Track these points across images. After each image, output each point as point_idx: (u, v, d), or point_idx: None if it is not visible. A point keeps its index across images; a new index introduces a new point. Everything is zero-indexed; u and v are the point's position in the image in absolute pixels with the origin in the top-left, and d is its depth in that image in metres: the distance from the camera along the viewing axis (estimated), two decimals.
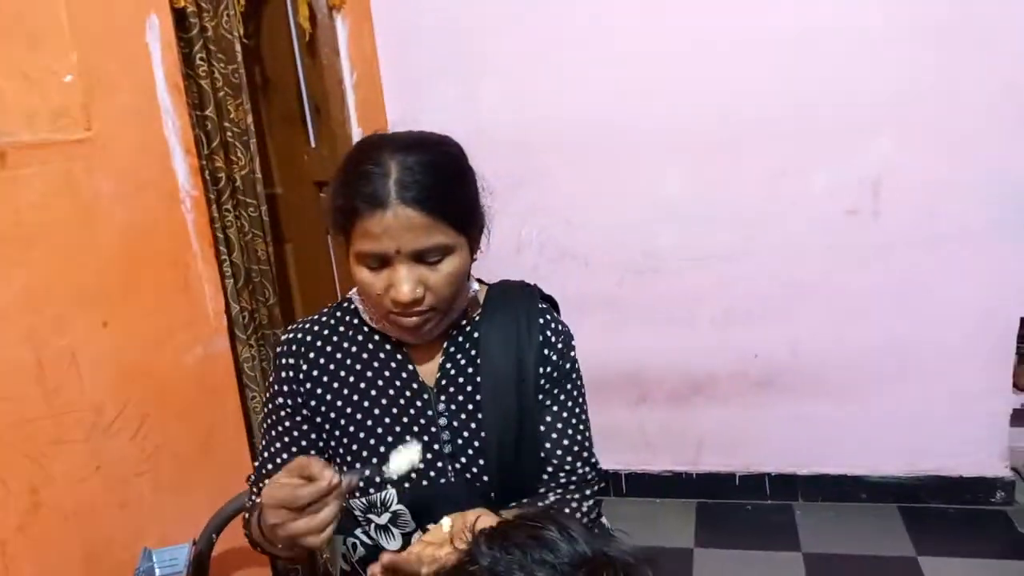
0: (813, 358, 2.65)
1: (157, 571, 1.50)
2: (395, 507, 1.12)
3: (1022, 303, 2.45)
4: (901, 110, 2.36)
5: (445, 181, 1.04)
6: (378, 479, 1.09)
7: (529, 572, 0.63)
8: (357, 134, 2.64)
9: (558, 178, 2.61)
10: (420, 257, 1.03)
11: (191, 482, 1.70)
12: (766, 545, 2.57)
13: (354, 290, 1.20)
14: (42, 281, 1.37)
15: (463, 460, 1.13)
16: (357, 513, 1.15)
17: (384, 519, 1.13)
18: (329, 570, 1.41)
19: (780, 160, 2.48)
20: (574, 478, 1.18)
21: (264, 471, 1.20)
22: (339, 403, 1.15)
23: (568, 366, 1.21)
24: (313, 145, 2.69)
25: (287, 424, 1.17)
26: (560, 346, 1.20)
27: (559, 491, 1.17)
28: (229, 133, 1.98)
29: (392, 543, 1.15)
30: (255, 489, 1.21)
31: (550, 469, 1.17)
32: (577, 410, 1.21)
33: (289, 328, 1.22)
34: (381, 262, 1.04)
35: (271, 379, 1.21)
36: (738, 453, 2.81)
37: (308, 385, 1.15)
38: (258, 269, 2.08)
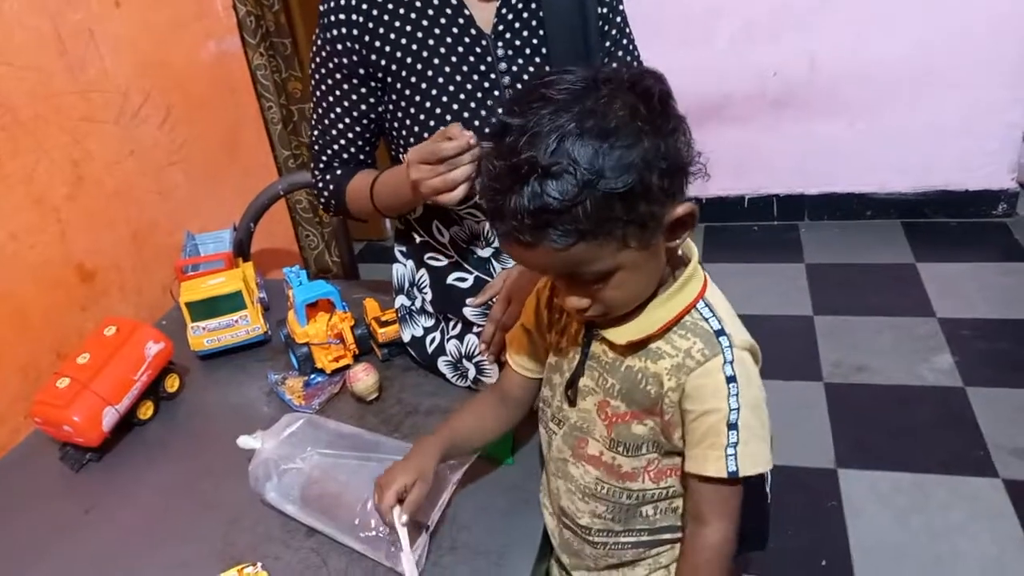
0: (831, 74, 2.60)
1: (201, 250, 1.57)
2: None
3: None
4: None
5: None
6: (437, 126, 1.10)
7: (553, 106, 0.66)
8: None
9: None
10: None
11: (220, 177, 1.74)
12: (770, 259, 2.69)
13: None
14: None
15: None
16: None
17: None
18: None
19: None
20: None
21: (324, 140, 1.20)
22: (396, 55, 1.11)
23: (620, 6, 1.20)
24: None
25: (344, 87, 1.15)
26: None
27: None
28: None
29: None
30: (320, 163, 1.22)
31: None
32: (633, 50, 1.23)
33: None
34: None
35: (317, 43, 1.16)
36: (748, 176, 2.85)
37: (365, 39, 1.11)
38: None
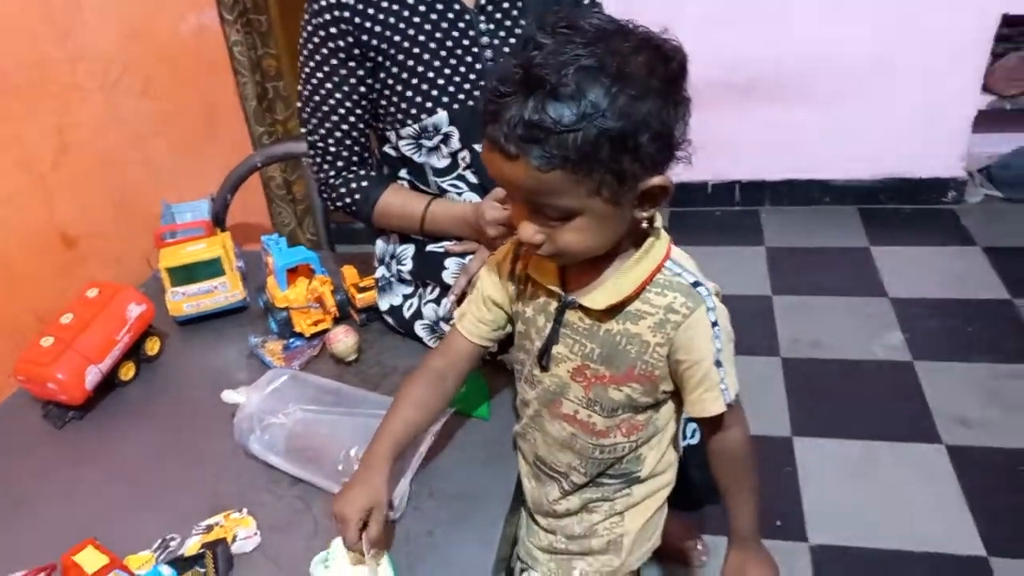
0: (795, 64, 2.68)
1: (178, 219, 1.59)
2: (445, 129, 1.19)
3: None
4: None
5: None
6: (429, 104, 1.17)
7: (582, 36, 0.69)
8: None
9: None
10: None
11: (198, 149, 1.77)
12: (732, 242, 2.79)
13: None
14: None
15: None
16: (407, 142, 1.21)
17: (435, 141, 1.20)
18: None
19: None
20: None
21: (324, 129, 1.23)
22: (386, 33, 1.16)
23: None
24: None
25: (341, 72, 1.18)
26: None
27: None
28: None
29: (440, 162, 1.23)
30: (321, 142, 1.25)
31: None
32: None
33: None
34: None
35: (308, 28, 1.18)
36: (711, 162, 2.93)
37: (356, 20, 1.15)
38: None
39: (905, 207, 2.87)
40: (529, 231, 0.77)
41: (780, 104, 2.76)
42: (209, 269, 1.40)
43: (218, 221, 1.69)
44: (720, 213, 3.01)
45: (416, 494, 1.02)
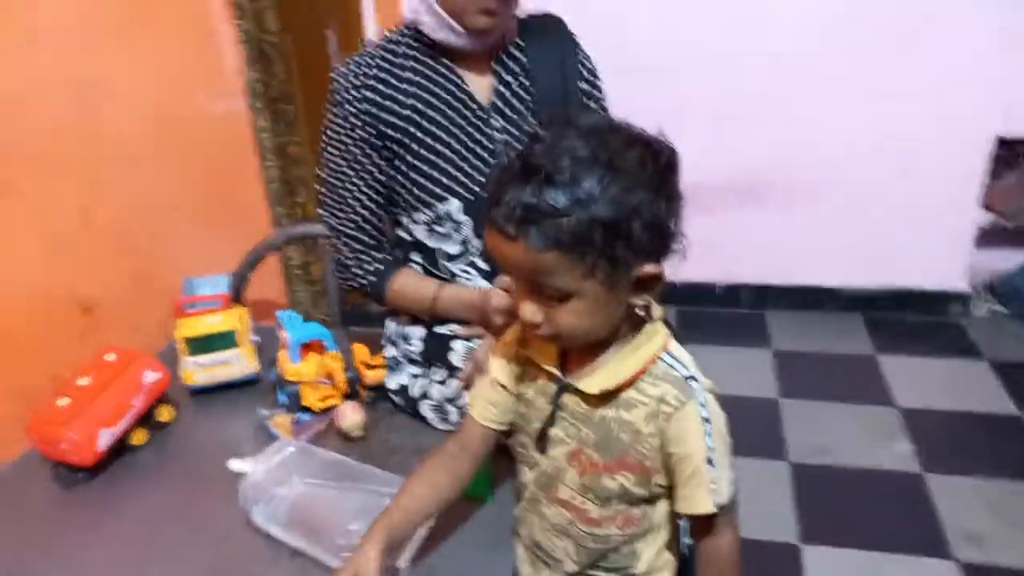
0: (793, 171, 2.76)
1: (198, 292, 1.62)
2: (458, 217, 1.25)
3: (1001, 122, 2.57)
4: None
5: None
6: (443, 193, 1.23)
7: (577, 132, 0.75)
8: None
9: None
10: None
11: (217, 226, 1.82)
12: (739, 343, 2.80)
13: (416, 7, 1.24)
14: (75, 5, 1.42)
15: None
16: (421, 228, 1.27)
17: (447, 228, 1.26)
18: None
19: None
20: None
21: (343, 213, 1.29)
22: (404, 126, 1.23)
23: (598, 81, 1.35)
24: None
25: (362, 160, 1.24)
26: (590, 65, 1.33)
27: None
28: None
29: (452, 248, 1.28)
30: (340, 226, 1.30)
31: None
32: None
33: (347, 65, 1.26)
34: None
35: (332, 120, 1.26)
36: (718, 264, 2.99)
37: (377, 113, 1.22)
38: (268, 41, 2.12)
39: (911, 317, 2.89)
40: (529, 311, 0.80)
41: (781, 210, 2.83)
42: (224, 341, 1.43)
43: (236, 296, 1.73)
44: (727, 314, 3.03)
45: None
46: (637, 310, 0.82)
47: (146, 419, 1.32)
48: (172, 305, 1.54)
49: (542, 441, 0.91)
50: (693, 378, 0.84)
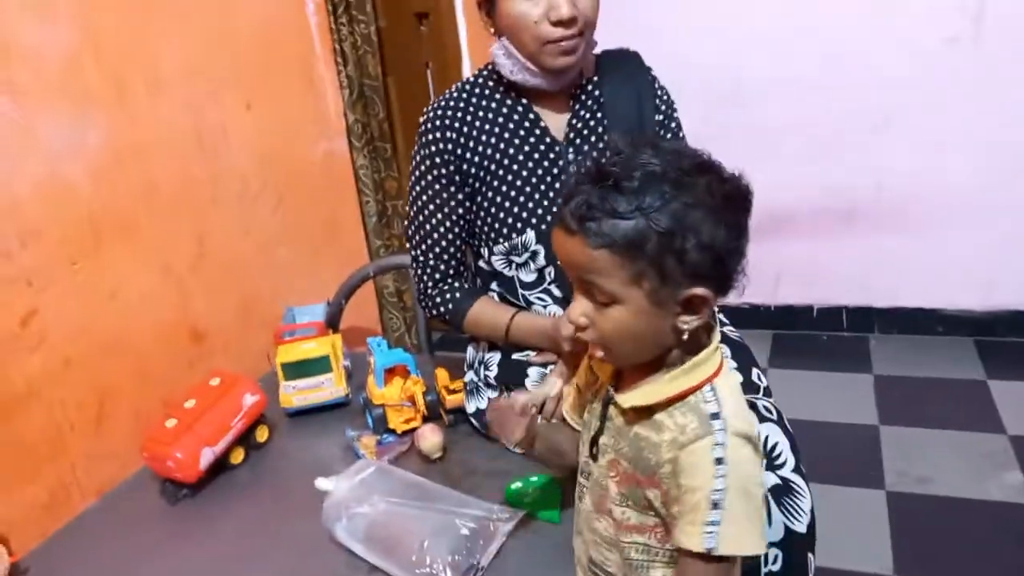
0: (896, 191, 2.68)
1: (298, 320, 1.75)
2: (533, 247, 1.31)
3: None
4: None
5: None
6: (519, 225, 1.30)
7: (656, 154, 0.79)
8: None
9: (648, 4, 2.65)
10: None
11: (318, 257, 1.95)
12: (839, 368, 2.71)
13: (495, 51, 1.32)
14: (198, 56, 1.57)
15: None
16: (499, 258, 1.34)
17: (523, 258, 1.32)
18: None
19: None
20: None
21: (426, 244, 1.38)
22: (484, 163, 1.31)
23: (675, 114, 1.38)
24: None
25: (444, 195, 1.33)
26: (666, 98, 1.37)
27: None
28: None
29: (528, 276, 1.35)
30: (423, 256, 1.39)
31: None
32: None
33: (432, 106, 1.36)
34: None
35: (418, 156, 1.35)
36: (816, 287, 2.91)
37: (459, 151, 1.31)
38: (369, 84, 2.26)
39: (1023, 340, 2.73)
40: (577, 310, 0.83)
41: (882, 232, 2.73)
42: (318, 366, 1.53)
43: (331, 324, 1.84)
44: (827, 338, 2.95)
45: None
46: (684, 335, 0.83)
47: (245, 439, 1.43)
48: (273, 333, 1.67)
49: (594, 447, 0.94)
50: (719, 416, 0.82)
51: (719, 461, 0.80)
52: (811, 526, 1.16)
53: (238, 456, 1.42)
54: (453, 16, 2.84)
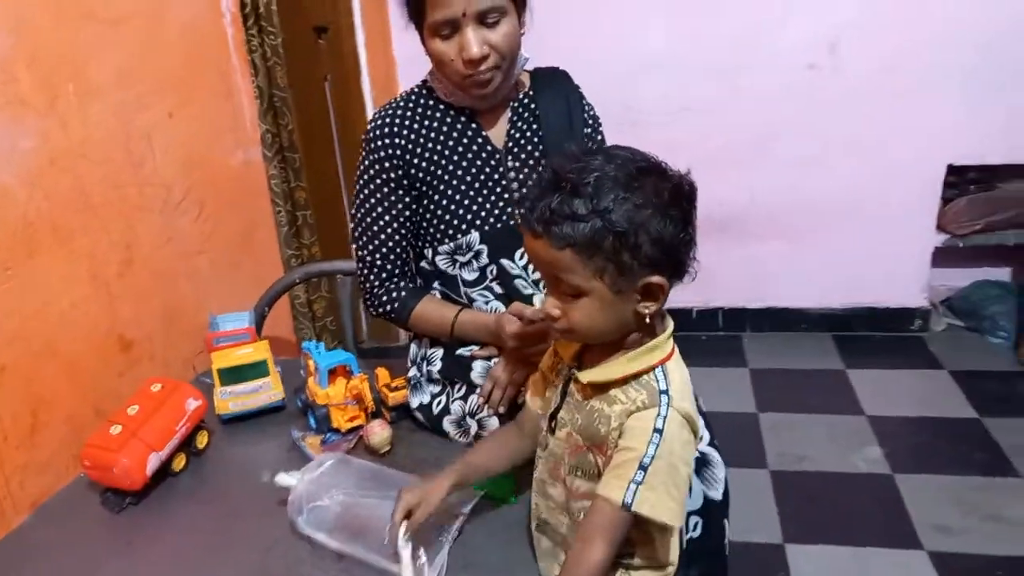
0: (767, 204, 2.98)
1: (222, 328, 1.75)
2: (477, 246, 1.40)
3: (949, 151, 2.81)
4: None
5: None
6: (463, 226, 1.39)
7: (608, 159, 0.90)
8: None
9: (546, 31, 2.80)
10: (482, 18, 1.26)
11: (237, 267, 1.95)
12: (717, 364, 2.97)
13: (427, 73, 1.42)
14: (127, 64, 1.56)
15: None
16: (443, 257, 1.42)
17: (467, 257, 1.41)
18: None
19: (754, 14, 2.74)
20: None
21: (373, 245, 1.42)
22: (430, 168, 1.39)
23: (600, 127, 1.52)
24: None
25: (391, 198, 1.40)
26: (593, 112, 1.51)
27: None
28: None
29: (470, 275, 1.42)
30: (369, 257, 1.43)
31: None
32: None
33: (379, 113, 1.42)
34: (451, 28, 1.26)
35: (365, 161, 1.41)
36: (696, 290, 3.15)
37: (406, 156, 1.38)
38: (278, 95, 2.27)
39: (876, 334, 3.09)
40: (551, 303, 0.95)
41: (756, 240, 3.03)
42: (255, 371, 1.55)
43: (256, 331, 1.85)
44: (706, 337, 3.21)
45: (451, 566, 1.14)
46: (646, 319, 0.94)
47: (186, 445, 1.43)
48: (198, 341, 1.67)
49: (552, 421, 1.05)
50: (666, 393, 0.92)
51: (657, 431, 0.90)
52: (725, 494, 1.31)
53: (180, 462, 1.42)
54: (352, 31, 2.90)
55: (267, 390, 1.57)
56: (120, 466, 1.29)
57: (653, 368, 0.95)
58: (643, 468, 0.89)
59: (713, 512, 1.26)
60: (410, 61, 2.81)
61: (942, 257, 3.01)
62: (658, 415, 0.91)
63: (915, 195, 2.88)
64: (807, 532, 2.06)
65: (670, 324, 1.00)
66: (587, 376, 0.98)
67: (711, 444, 1.35)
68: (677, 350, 1.00)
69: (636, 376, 0.95)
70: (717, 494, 1.29)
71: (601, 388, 0.97)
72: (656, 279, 0.91)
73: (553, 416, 1.05)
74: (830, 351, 3.01)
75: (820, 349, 3.03)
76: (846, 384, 2.76)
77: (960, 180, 2.95)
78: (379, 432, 1.41)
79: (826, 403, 2.66)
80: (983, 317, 2.98)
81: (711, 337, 3.20)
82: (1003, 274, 3.13)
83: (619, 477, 0.91)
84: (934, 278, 3.05)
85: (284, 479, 1.24)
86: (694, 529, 1.26)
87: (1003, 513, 2.07)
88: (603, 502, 0.92)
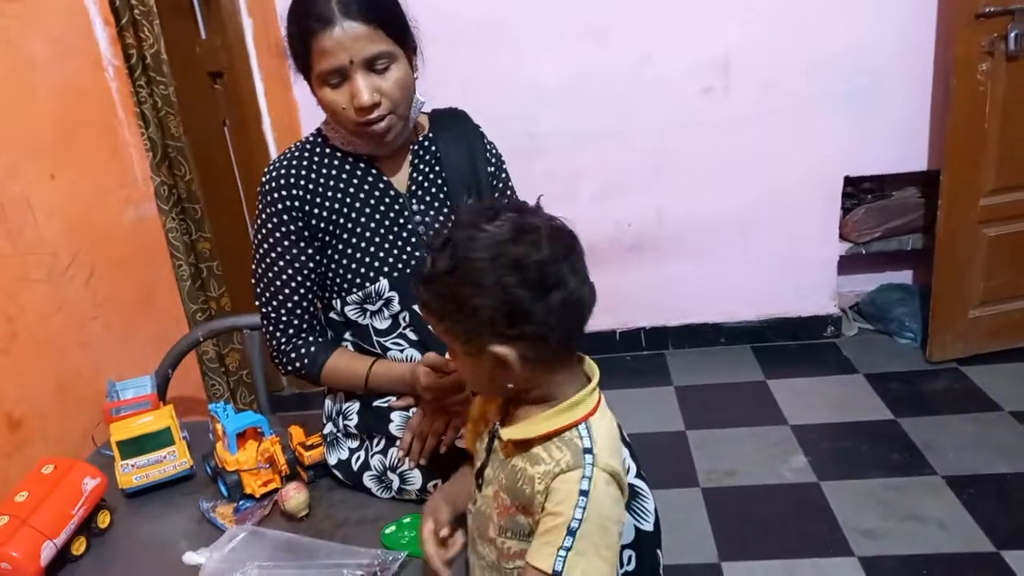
0: (675, 224, 3.04)
1: (122, 396, 1.65)
2: (387, 294, 1.35)
3: (845, 164, 2.92)
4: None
5: None
6: (372, 274, 1.34)
7: (493, 220, 0.88)
8: (248, 24, 2.72)
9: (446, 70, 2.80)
10: (371, 65, 1.23)
11: (136, 329, 1.85)
12: (643, 384, 2.99)
13: (322, 122, 1.38)
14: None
15: None
16: (353, 307, 1.37)
17: (377, 305, 1.36)
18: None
19: (644, 43, 2.80)
20: None
21: (277, 301, 1.37)
22: (332, 217, 1.34)
23: (504, 165, 1.50)
24: (204, 36, 2.75)
25: (293, 251, 1.34)
26: (495, 151, 1.49)
27: None
28: (136, 11, 2.05)
29: (382, 323, 1.38)
30: (274, 313, 1.37)
31: None
32: (512, 194, 1.51)
33: (274, 164, 1.37)
34: (340, 77, 1.23)
35: (262, 215, 1.35)
36: (617, 313, 3.19)
37: (306, 207, 1.33)
38: (173, 145, 2.19)
39: (791, 343, 3.17)
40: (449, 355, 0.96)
41: (668, 259, 3.09)
42: (158, 440, 1.46)
43: (160, 395, 1.75)
44: (630, 358, 3.23)
45: None
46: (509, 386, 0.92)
47: (86, 526, 1.33)
48: (97, 411, 1.57)
49: (480, 478, 1.02)
50: (590, 451, 0.89)
51: (583, 493, 0.86)
52: (656, 524, 1.30)
53: (80, 546, 1.32)
54: (249, 75, 2.83)
55: (172, 460, 1.48)
56: (9, 559, 1.19)
57: (576, 424, 0.92)
58: (571, 533, 0.86)
59: (645, 544, 1.24)
60: (312, 104, 2.76)
61: (847, 264, 3.12)
62: (583, 476, 0.87)
63: (817, 207, 2.98)
64: (741, 548, 2.07)
65: (595, 375, 0.97)
66: (508, 433, 0.95)
67: (638, 475, 1.33)
68: (604, 400, 0.97)
69: (559, 432, 0.91)
70: (648, 525, 1.27)
71: (523, 445, 0.93)
72: (500, 349, 0.87)
73: (480, 473, 1.02)
74: (750, 363, 3.07)
75: (740, 361, 3.09)
76: (767, 395, 2.82)
77: (857, 191, 3.08)
78: (295, 496, 1.34)
79: (750, 415, 2.70)
80: (890, 319, 3.10)
81: (635, 357, 3.23)
82: (905, 277, 3.26)
83: (548, 544, 0.87)
84: (842, 285, 3.16)
85: (192, 558, 1.17)
86: (628, 563, 1.24)
87: (920, 512, 2.13)
88: (533, 571, 0.88)
